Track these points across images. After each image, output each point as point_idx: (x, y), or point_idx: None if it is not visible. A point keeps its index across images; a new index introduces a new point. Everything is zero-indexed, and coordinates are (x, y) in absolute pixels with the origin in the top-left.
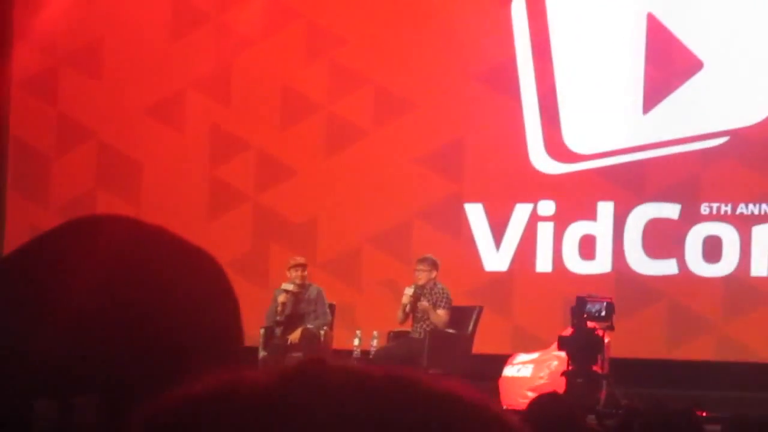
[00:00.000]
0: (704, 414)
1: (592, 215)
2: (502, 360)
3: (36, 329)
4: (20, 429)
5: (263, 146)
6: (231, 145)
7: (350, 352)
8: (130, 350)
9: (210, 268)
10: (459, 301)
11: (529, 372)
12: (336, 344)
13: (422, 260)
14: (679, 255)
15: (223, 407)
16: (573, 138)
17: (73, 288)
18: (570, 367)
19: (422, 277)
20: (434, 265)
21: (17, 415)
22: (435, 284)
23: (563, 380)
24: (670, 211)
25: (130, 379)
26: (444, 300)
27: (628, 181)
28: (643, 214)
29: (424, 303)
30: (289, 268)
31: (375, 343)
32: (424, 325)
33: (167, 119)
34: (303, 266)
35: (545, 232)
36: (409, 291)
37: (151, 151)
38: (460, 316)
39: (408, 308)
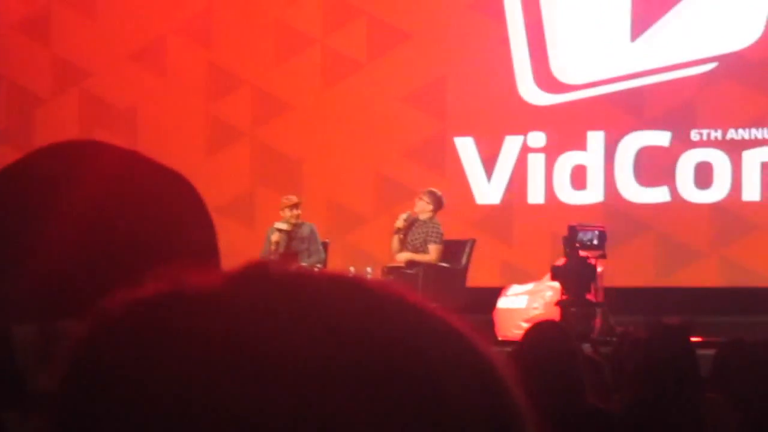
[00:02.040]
0: (698, 339)
1: (582, 145)
2: (497, 292)
3: (18, 254)
4: (3, 355)
5: (258, 82)
6: (226, 82)
7: None
8: (111, 273)
9: (185, 188)
10: (452, 235)
11: (523, 303)
12: None
13: (427, 192)
14: (670, 182)
15: (168, 307)
16: (561, 68)
17: (54, 212)
18: (564, 297)
19: (418, 206)
20: (435, 200)
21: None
22: (430, 219)
23: (557, 310)
24: (661, 138)
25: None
26: (435, 235)
27: (617, 110)
28: (633, 142)
29: (402, 255)
30: (283, 208)
31: None
32: (416, 261)
33: (161, 58)
34: (296, 205)
35: (536, 163)
36: (402, 216)
37: (146, 90)
38: (454, 249)
39: (401, 235)
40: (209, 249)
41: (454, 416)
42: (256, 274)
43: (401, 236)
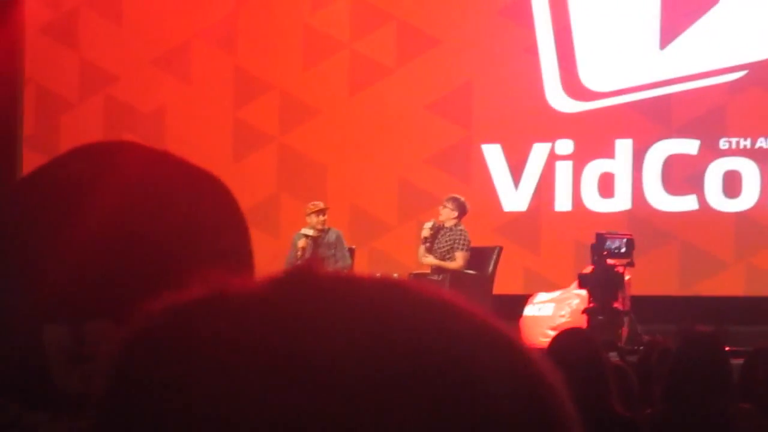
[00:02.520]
0: (726, 348)
1: (610, 153)
2: (523, 300)
3: (48, 254)
4: (33, 355)
5: (286, 87)
6: (254, 87)
7: None
8: (142, 274)
9: (218, 190)
10: (479, 242)
11: (550, 311)
12: None
13: (450, 199)
14: (698, 191)
15: (212, 313)
16: (589, 75)
17: (84, 213)
18: (591, 305)
19: (442, 214)
20: (459, 206)
21: (30, 342)
22: (456, 225)
23: (584, 318)
24: (689, 146)
25: (142, 303)
26: (462, 242)
27: (645, 118)
28: (661, 150)
29: (428, 259)
30: (309, 214)
31: None
32: (442, 268)
33: (187, 63)
34: (323, 211)
35: (564, 171)
36: (428, 224)
37: (172, 95)
38: (480, 256)
39: (428, 243)
40: (243, 253)
41: (504, 425)
42: (302, 278)
43: (428, 245)
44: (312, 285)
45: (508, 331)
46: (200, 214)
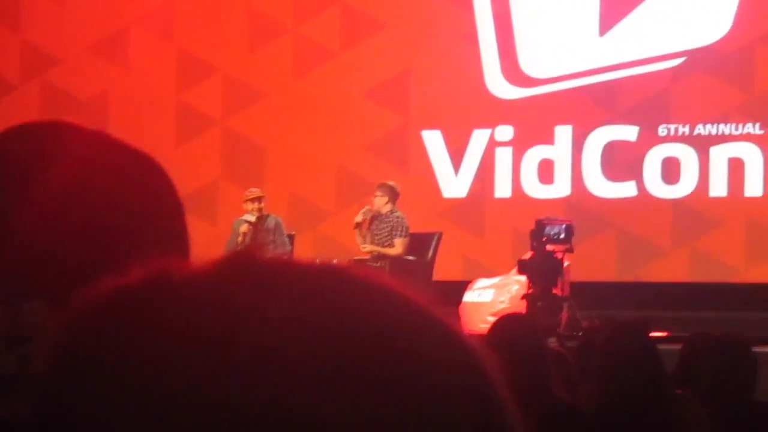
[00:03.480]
0: (664, 334)
1: (550, 139)
2: (463, 286)
3: None
4: None
5: (229, 70)
6: (197, 70)
7: None
8: (78, 254)
9: (155, 172)
10: (419, 228)
11: (489, 297)
12: None
13: (380, 186)
14: (637, 177)
15: (155, 296)
16: (529, 62)
17: (20, 194)
18: (530, 291)
19: (375, 202)
20: (391, 192)
21: None
22: (392, 212)
23: (524, 303)
24: (628, 133)
25: (78, 283)
26: (400, 228)
27: (585, 104)
28: (601, 136)
29: (367, 246)
30: (246, 201)
31: None
32: (381, 254)
33: (131, 46)
34: (260, 198)
35: (504, 157)
36: (361, 210)
37: (116, 78)
38: (420, 242)
39: (361, 229)
40: (179, 235)
41: (442, 416)
42: (243, 263)
43: (363, 230)
44: (253, 270)
45: (447, 319)
46: (137, 196)
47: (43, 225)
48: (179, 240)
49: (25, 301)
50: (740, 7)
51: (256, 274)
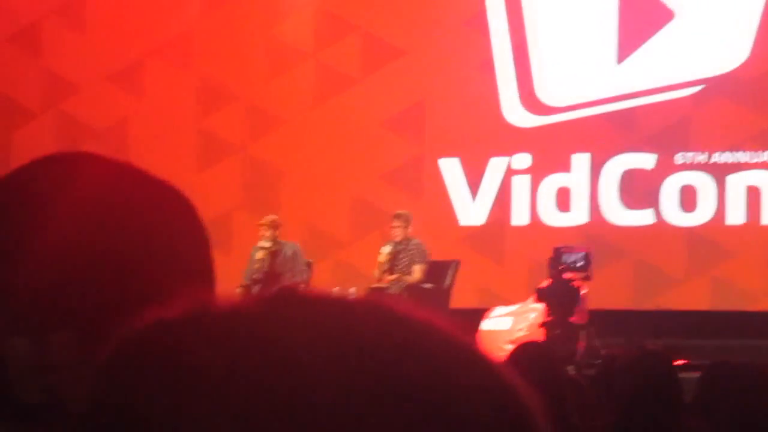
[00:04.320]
0: (684, 361)
1: (567, 167)
2: (481, 314)
3: (9, 266)
4: None
5: (251, 97)
6: (219, 97)
7: None
8: (104, 286)
9: (180, 204)
10: (436, 256)
11: (507, 324)
12: None
13: (397, 216)
14: (654, 205)
15: (197, 329)
16: (546, 90)
17: (46, 224)
18: (548, 319)
19: (399, 233)
20: (408, 220)
21: None
22: (410, 240)
23: (542, 331)
24: (646, 161)
25: (104, 315)
26: (419, 255)
27: (602, 133)
28: (618, 164)
29: (389, 277)
30: (261, 227)
31: None
32: (402, 281)
33: (154, 72)
34: (275, 225)
35: (521, 185)
36: (385, 249)
37: (138, 104)
38: (437, 270)
39: (385, 266)
40: (205, 268)
41: None
42: (286, 298)
43: (385, 268)
44: (297, 306)
45: (481, 350)
46: (164, 228)
47: (71, 256)
48: (205, 273)
49: (52, 332)
50: (759, 34)
51: (298, 309)
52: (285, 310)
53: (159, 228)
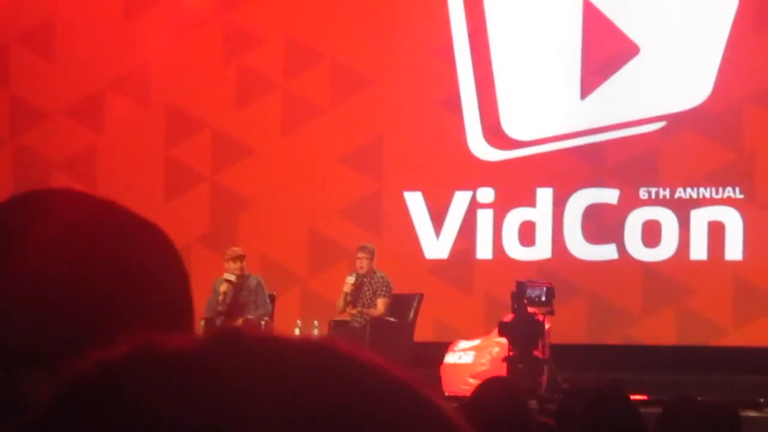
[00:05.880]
0: (645, 397)
1: (531, 201)
2: (444, 347)
3: None
4: None
5: (219, 125)
6: (186, 126)
7: None
8: (77, 321)
9: (159, 240)
10: (400, 289)
11: (470, 358)
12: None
13: (362, 248)
14: (618, 240)
15: (139, 372)
16: (511, 124)
17: (20, 261)
18: (511, 353)
19: (364, 265)
20: (373, 252)
21: None
22: (374, 272)
23: (505, 366)
24: (609, 196)
25: (76, 350)
26: (384, 288)
27: (566, 167)
28: (582, 199)
29: (351, 311)
30: (227, 260)
31: (316, 332)
32: (365, 314)
33: (121, 100)
34: (241, 257)
35: (485, 219)
36: (350, 279)
37: (105, 132)
38: (401, 304)
39: (349, 297)
40: (184, 306)
41: None
42: (231, 339)
43: (349, 299)
44: (241, 347)
45: (426, 390)
46: (142, 266)
47: (45, 294)
48: (184, 311)
49: (23, 368)
50: (721, 69)
51: (243, 351)
52: (228, 352)
53: (135, 263)
